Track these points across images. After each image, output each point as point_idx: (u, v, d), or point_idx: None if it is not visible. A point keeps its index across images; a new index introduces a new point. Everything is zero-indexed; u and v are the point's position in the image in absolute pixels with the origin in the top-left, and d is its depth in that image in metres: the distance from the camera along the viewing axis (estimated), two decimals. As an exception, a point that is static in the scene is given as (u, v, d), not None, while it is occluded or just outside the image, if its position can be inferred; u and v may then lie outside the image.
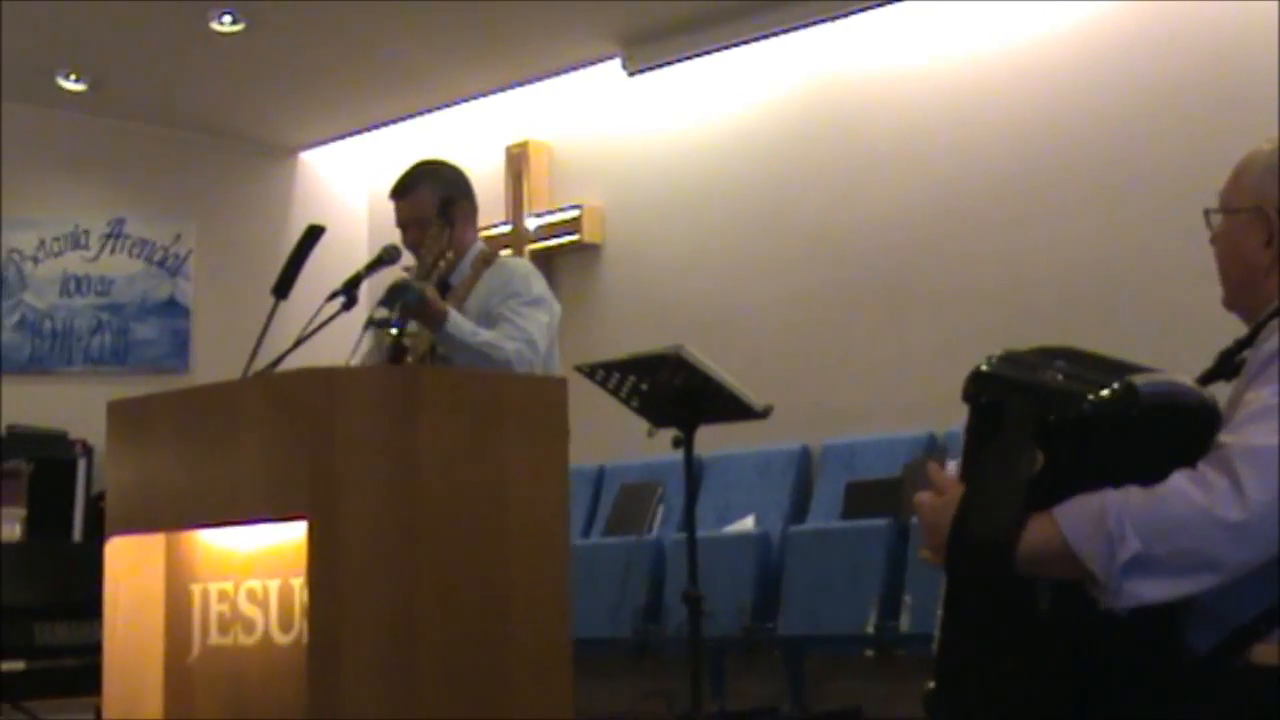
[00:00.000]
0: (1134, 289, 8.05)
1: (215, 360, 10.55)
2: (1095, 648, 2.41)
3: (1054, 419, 2.40)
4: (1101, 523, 2.32)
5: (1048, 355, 2.57)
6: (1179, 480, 2.34)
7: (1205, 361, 2.74)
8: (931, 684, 2.58)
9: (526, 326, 5.20)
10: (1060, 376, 2.47)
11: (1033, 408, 2.42)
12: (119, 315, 11.07)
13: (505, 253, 9.47)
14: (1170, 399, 2.46)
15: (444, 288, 5.38)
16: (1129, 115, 8.19)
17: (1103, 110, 8.29)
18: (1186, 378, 2.54)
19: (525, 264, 5.68)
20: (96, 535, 4.64)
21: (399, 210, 5.44)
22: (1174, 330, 7.48)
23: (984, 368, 2.58)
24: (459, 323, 5.05)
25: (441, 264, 5.05)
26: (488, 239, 10.07)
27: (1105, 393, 2.40)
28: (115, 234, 11.11)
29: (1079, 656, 2.42)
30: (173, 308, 11.19)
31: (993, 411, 2.48)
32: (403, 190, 5.47)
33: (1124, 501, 2.33)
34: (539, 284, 5.39)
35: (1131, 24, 8.24)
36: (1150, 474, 2.36)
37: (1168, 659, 2.42)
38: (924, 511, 2.55)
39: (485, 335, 5.08)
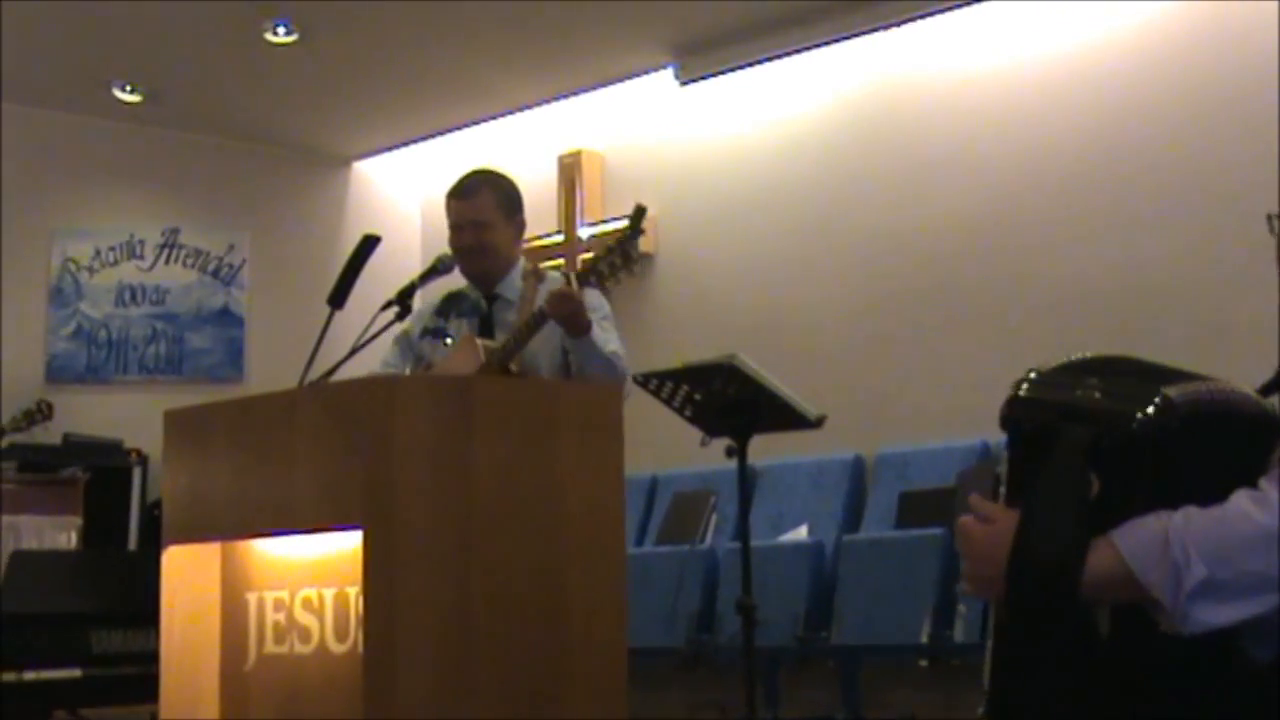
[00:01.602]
0: (1193, 298, 8.00)
1: (269, 369, 10.60)
2: (1159, 669, 2.38)
3: (1106, 443, 2.36)
4: (1165, 550, 2.28)
5: (1077, 371, 2.52)
6: (1241, 500, 2.30)
7: (1266, 373, 2.71)
8: (982, 710, 2.56)
9: (615, 339, 5.26)
10: (1098, 394, 2.43)
11: (1084, 432, 2.38)
12: (174, 325, 11.12)
13: (551, 263, 9.50)
14: (1222, 406, 2.41)
15: (491, 299, 5.42)
16: (1189, 122, 8.13)
17: (1162, 116, 8.23)
18: (1245, 387, 2.50)
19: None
20: (152, 544, 4.66)
21: (458, 210, 5.46)
22: (1234, 341, 7.44)
23: (1021, 393, 2.53)
24: (598, 332, 5.11)
25: (605, 270, 5.06)
26: (541, 249, 10.15)
27: (1150, 410, 2.36)
28: (170, 244, 11.16)
29: (1142, 679, 2.39)
30: (227, 317, 11.23)
31: (1040, 438, 2.44)
32: (466, 191, 5.48)
33: (1185, 526, 2.29)
34: (607, 303, 5.43)
35: (1192, 27, 8.18)
36: (1210, 487, 2.33)
37: (1231, 672, 2.39)
38: (972, 541, 2.47)
39: (613, 345, 5.16)
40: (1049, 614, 2.39)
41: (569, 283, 5.01)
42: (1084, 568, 2.33)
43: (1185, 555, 2.26)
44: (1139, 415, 2.33)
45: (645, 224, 5.15)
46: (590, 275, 5.02)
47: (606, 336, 5.22)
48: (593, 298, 5.28)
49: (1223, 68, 8.05)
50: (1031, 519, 2.40)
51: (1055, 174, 8.58)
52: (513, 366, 5.11)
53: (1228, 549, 2.26)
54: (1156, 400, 2.34)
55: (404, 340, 5.50)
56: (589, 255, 5.35)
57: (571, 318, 5.03)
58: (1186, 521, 2.29)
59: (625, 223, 5.08)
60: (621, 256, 5.00)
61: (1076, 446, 2.36)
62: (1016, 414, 2.49)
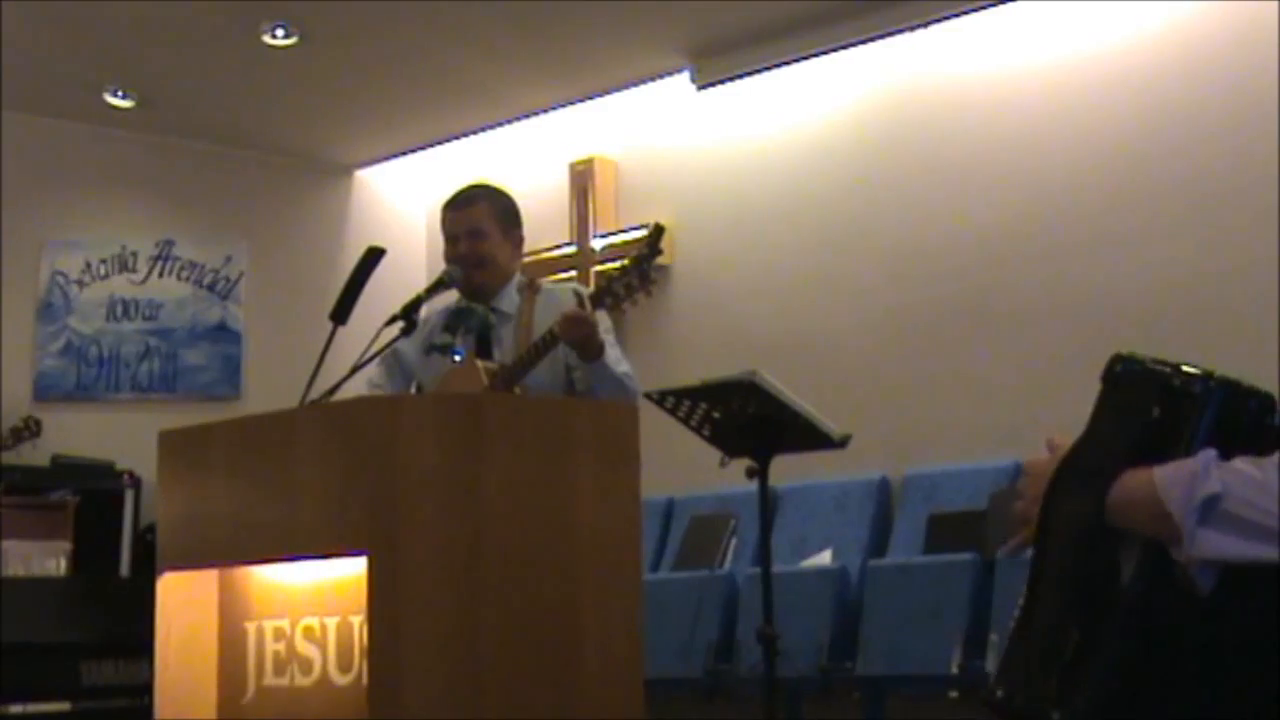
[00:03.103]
0: (1231, 308, 7.98)
1: (267, 387, 10.60)
2: (1171, 630, 2.44)
3: (1178, 383, 2.44)
4: (1192, 474, 2.35)
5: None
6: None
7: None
8: (1000, 692, 2.59)
9: (623, 358, 5.28)
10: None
11: (1161, 368, 2.50)
12: (168, 341, 11.13)
13: (562, 276, 9.50)
14: None
15: (492, 312, 5.45)
16: (1236, 125, 8.10)
17: (1205, 119, 8.21)
18: None
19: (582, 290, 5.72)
20: (145, 570, 4.67)
21: (454, 220, 5.52)
22: (1272, 352, 7.41)
23: (1123, 351, 2.65)
24: (611, 355, 5.13)
25: (621, 292, 5.07)
26: (552, 260, 10.16)
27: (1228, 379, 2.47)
28: (164, 256, 11.17)
29: (1153, 637, 2.45)
30: (223, 333, 11.24)
31: (1124, 378, 2.54)
32: (461, 201, 5.55)
33: (1218, 458, 2.36)
34: (608, 318, 5.44)
35: (1232, 27, 8.16)
36: None
37: (1251, 647, 2.44)
38: (1031, 465, 2.60)
39: (625, 366, 5.19)
40: (1077, 521, 2.46)
41: (581, 304, 5.02)
42: (1114, 484, 2.41)
43: (1206, 471, 2.34)
44: (1215, 375, 2.45)
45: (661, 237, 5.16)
46: (605, 297, 5.03)
47: (617, 357, 5.24)
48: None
49: (1264, 67, 8.03)
50: (1085, 434, 2.53)
51: (1091, 180, 8.56)
52: (515, 390, 5.12)
53: (1254, 484, 2.34)
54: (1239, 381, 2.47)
55: (392, 359, 5.52)
56: (604, 267, 5.36)
57: (585, 341, 5.05)
58: (1224, 462, 2.36)
59: (641, 233, 5.11)
60: (638, 277, 5.01)
61: (1148, 380, 2.50)
62: (1112, 362, 2.58)
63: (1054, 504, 2.52)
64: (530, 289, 5.47)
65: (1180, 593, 2.39)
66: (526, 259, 6.21)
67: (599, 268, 10.16)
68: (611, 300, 5.02)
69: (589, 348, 5.08)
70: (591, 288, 5.65)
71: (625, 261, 5.13)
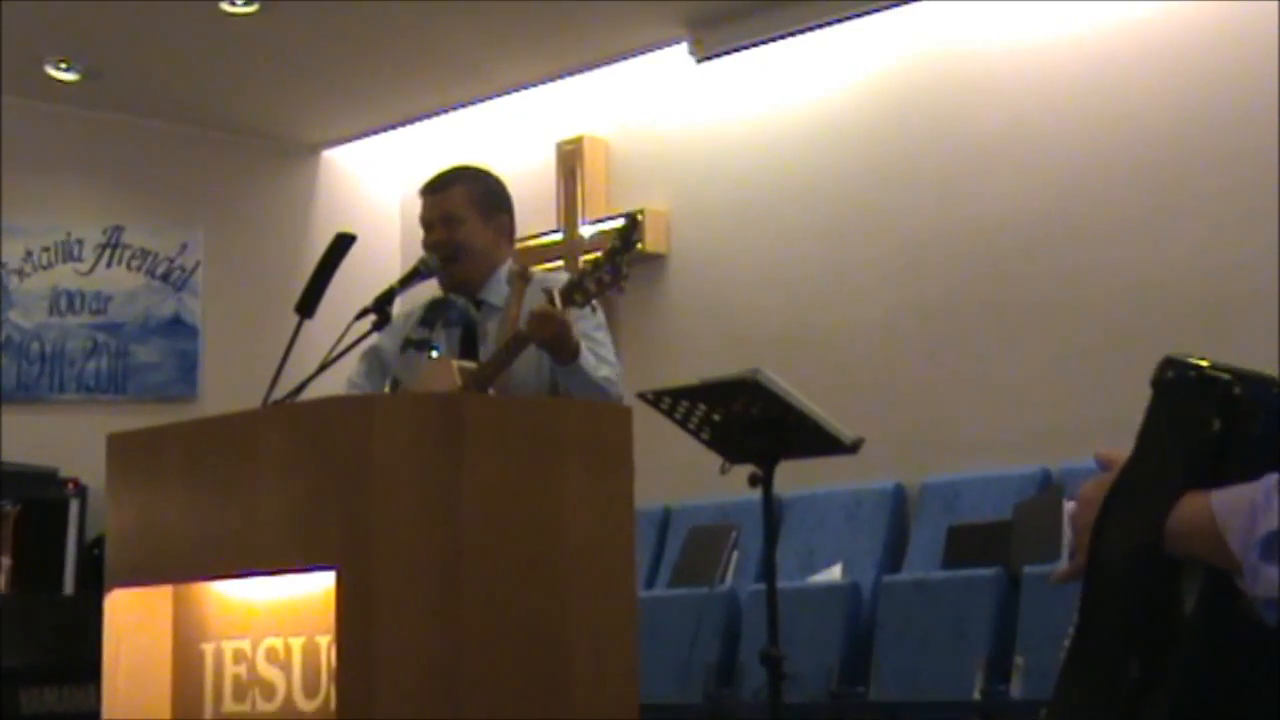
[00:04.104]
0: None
1: (227, 387, 10.60)
2: (1239, 661, 2.43)
3: (1239, 391, 2.42)
4: (1252, 496, 2.34)
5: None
6: None
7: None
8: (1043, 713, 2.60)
9: (609, 356, 5.24)
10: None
11: (1219, 374, 2.44)
12: (117, 336, 11.13)
13: (548, 266, 9.48)
14: None
15: (477, 304, 5.43)
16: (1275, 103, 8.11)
17: (1250, 90, 8.16)
18: None
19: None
20: (93, 587, 4.68)
21: (428, 205, 5.51)
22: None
23: (1173, 354, 2.62)
24: (587, 356, 5.09)
25: (592, 289, 5.04)
26: (538, 249, 10.15)
27: None
28: (112, 243, 11.17)
29: (1219, 668, 2.44)
30: (178, 327, 11.24)
31: (1177, 384, 2.52)
32: (436, 185, 5.53)
33: None
34: (600, 310, 5.41)
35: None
36: None
37: None
38: (1085, 488, 2.56)
39: (605, 370, 5.13)
40: (1134, 550, 2.45)
41: (552, 300, 4.98)
42: (1173, 508, 2.39)
43: (1269, 500, 2.31)
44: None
45: (654, 219, 5.15)
46: (573, 293, 4.97)
47: (600, 357, 5.20)
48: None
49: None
50: (1136, 451, 2.49)
51: (1129, 159, 8.56)
52: (491, 391, 5.10)
53: None
54: None
55: (373, 355, 5.50)
56: (593, 256, 5.35)
57: (555, 341, 4.99)
58: None
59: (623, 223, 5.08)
60: (610, 273, 4.96)
61: (1209, 389, 2.44)
62: (1163, 366, 2.57)
63: (1107, 530, 2.51)
64: (520, 278, 5.43)
65: (1248, 622, 2.38)
66: (508, 247, 6.18)
67: (588, 256, 10.15)
68: (580, 297, 4.97)
69: (561, 349, 5.02)
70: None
71: (598, 254, 5.10)
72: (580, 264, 9.66)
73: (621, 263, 4.94)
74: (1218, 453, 2.43)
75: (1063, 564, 2.62)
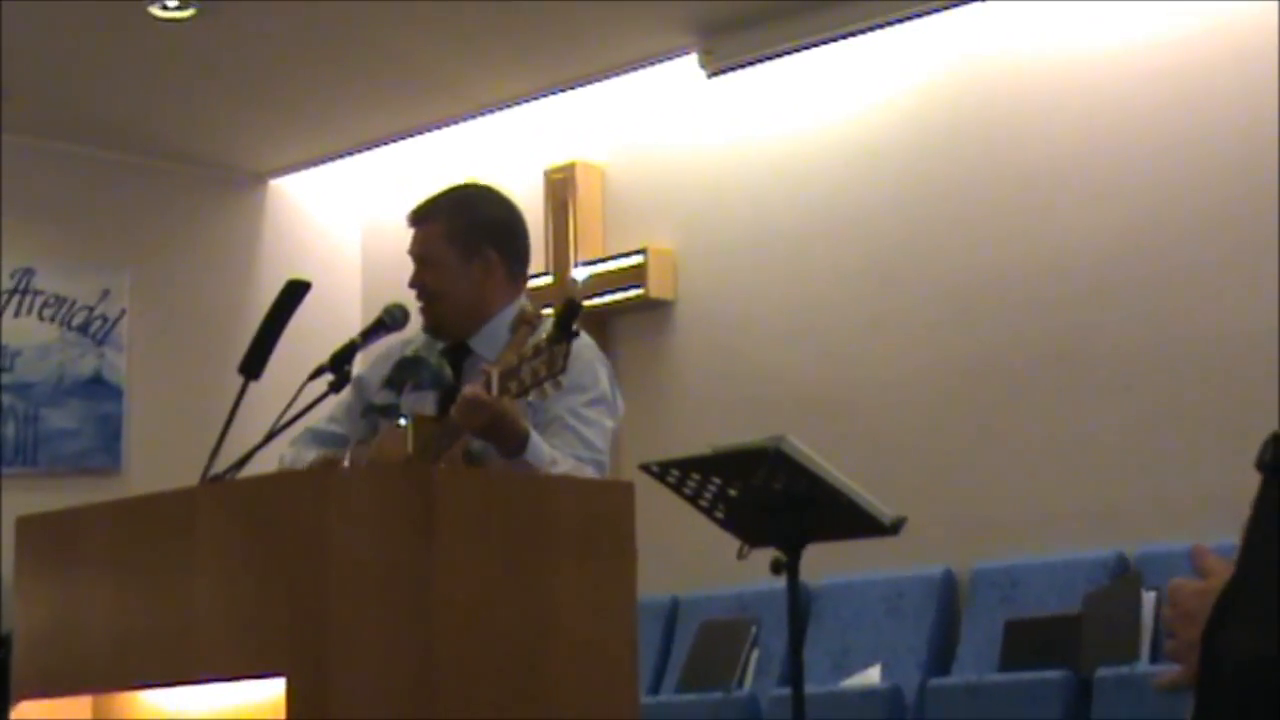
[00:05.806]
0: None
1: (157, 459, 10.60)
2: None
3: None
4: None
5: None
6: None
7: None
8: None
9: (593, 439, 5.15)
10: None
11: None
12: (26, 398, 11.13)
13: (547, 311, 9.46)
14: None
15: (465, 352, 5.35)
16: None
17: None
18: None
19: (584, 340, 5.60)
20: (-1, 697, 4.64)
21: (411, 241, 5.44)
22: None
23: None
24: (538, 447, 4.98)
25: (527, 380, 4.95)
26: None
27: None
28: (21, 289, 11.18)
29: None
30: (99, 387, 11.24)
31: None
32: (415, 217, 5.48)
33: None
34: (604, 373, 5.34)
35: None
36: None
37: None
38: (1179, 596, 2.56)
39: (563, 465, 5.02)
40: (1254, 667, 2.43)
41: (487, 384, 4.90)
42: None
43: None
44: None
45: (658, 260, 5.12)
46: (509, 383, 4.88)
47: (567, 445, 5.09)
48: (572, 365, 5.14)
49: None
50: (1246, 569, 2.46)
51: (1217, 189, 8.55)
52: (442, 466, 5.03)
53: None
54: None
55: (356, 389, 5.41)
56: (589, 304, 5.28)
57: (488, 431, 4.90)
58: None
59: (635, 260, 5.06)
60: (546, 364, 4.87)
61: None
62: (1272, 446, 2.55)
63: (1218, 642, 2.48)
64: (525, 323, 5.34)
65: None
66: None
67: (584, 304, 10.12)
68: (515, 386, 4.89)
69: (501, 439, 4.93)
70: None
71: (539, 341, 4.97)
72: (590, 309, 9.62)
73: (559, 352, 4.78)
74: None
75: (1143, 664, 2.62)
